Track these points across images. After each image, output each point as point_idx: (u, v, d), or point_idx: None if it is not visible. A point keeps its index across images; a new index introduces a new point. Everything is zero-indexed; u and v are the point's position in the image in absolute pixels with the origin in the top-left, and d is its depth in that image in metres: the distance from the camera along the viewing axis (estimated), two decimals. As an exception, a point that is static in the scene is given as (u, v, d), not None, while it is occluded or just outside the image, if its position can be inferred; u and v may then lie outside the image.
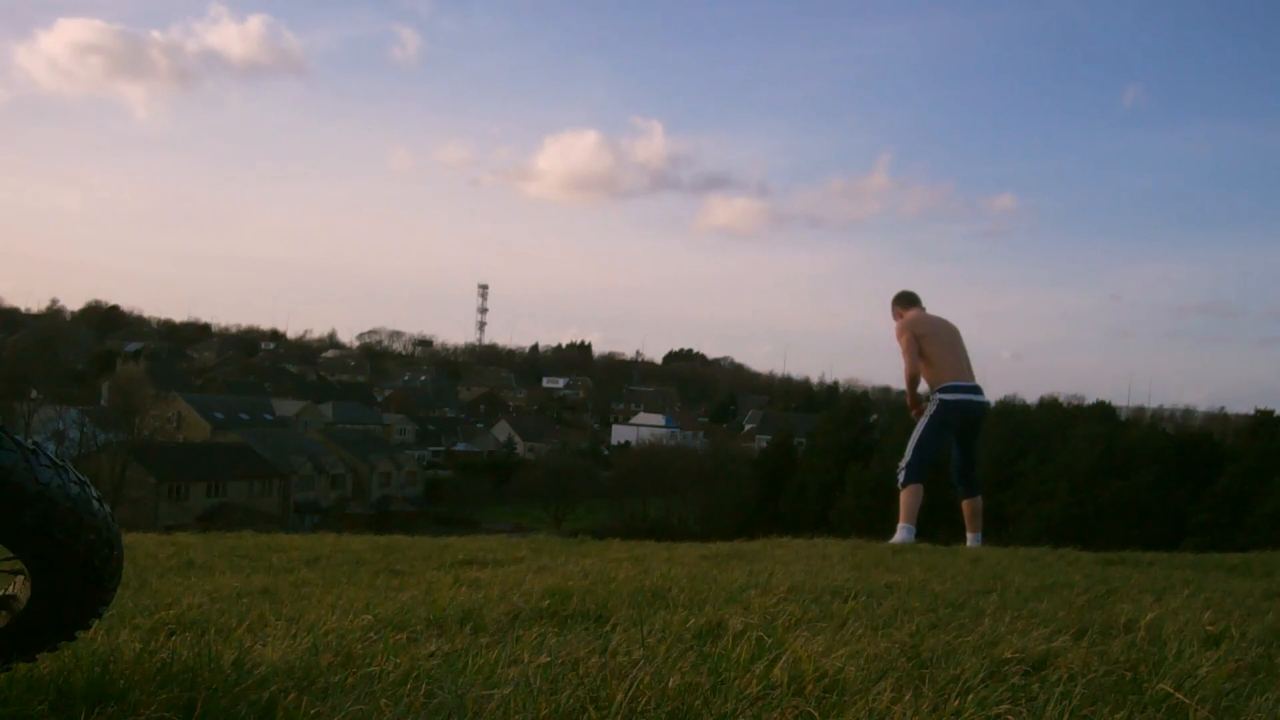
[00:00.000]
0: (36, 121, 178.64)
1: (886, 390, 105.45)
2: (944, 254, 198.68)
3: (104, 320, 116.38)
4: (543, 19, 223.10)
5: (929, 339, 6.83)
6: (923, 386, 7.00)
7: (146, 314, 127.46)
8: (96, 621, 2.04)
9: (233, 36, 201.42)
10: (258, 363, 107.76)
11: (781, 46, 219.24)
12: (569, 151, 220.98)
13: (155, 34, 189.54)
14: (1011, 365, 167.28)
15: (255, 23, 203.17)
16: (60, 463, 1.76)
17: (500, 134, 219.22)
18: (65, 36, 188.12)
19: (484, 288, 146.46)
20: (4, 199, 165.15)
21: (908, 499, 6.70)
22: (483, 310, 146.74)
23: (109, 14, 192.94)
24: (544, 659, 2.32)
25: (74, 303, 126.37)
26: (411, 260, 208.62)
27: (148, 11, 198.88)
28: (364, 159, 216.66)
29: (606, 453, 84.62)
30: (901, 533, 6.60)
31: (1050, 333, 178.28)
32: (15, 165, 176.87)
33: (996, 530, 35.10)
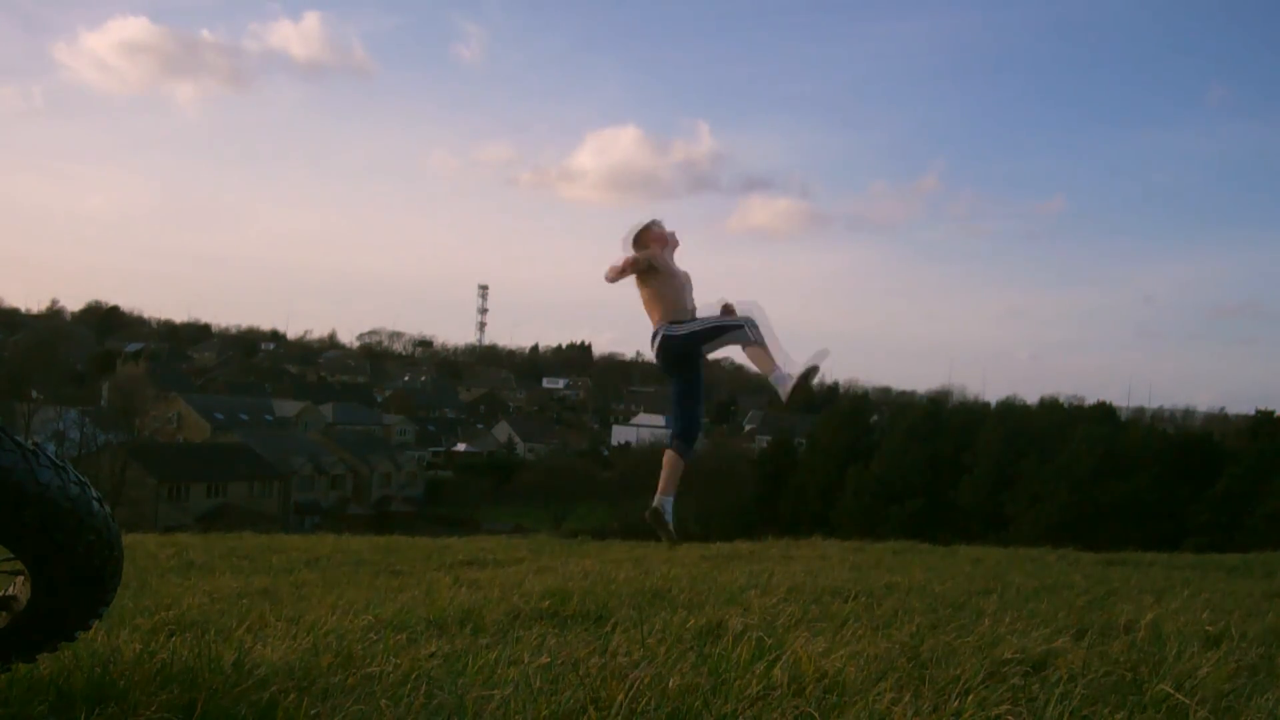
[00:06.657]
0: (68, 121, 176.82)
1: (887, 390, 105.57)
2: (967, 254, 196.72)
3: (104, 320, 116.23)
4: (584, 14, 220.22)
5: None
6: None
7: (146, 314, 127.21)
8: (96, 622, 2.04)
9: (290, 36, 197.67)
10: (258, 363, 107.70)
11: (831, 46, 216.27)
12: (609, 150, 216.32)
13: (205, 33, 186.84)
14: (1029, 366, 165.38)
15: (312, 20, 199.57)
16: (60, 463, 1.76)
17: (544, 132, 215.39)
18: (109, 36, 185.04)
19: (484, 288, 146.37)
20: (20, 199, 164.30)
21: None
22: (483, 311, 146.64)
23: (157, 12, 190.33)
24: (544, 659, 2.31)
25: (74, 303, 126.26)
26: (412, 260, 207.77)
27: (196, 9, 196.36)
28: (402, 159, 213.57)
29: (606, 453, 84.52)
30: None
31: (1074, 333, 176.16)
32: (33, 166, 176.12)
33: (996, 530, 35.15)
